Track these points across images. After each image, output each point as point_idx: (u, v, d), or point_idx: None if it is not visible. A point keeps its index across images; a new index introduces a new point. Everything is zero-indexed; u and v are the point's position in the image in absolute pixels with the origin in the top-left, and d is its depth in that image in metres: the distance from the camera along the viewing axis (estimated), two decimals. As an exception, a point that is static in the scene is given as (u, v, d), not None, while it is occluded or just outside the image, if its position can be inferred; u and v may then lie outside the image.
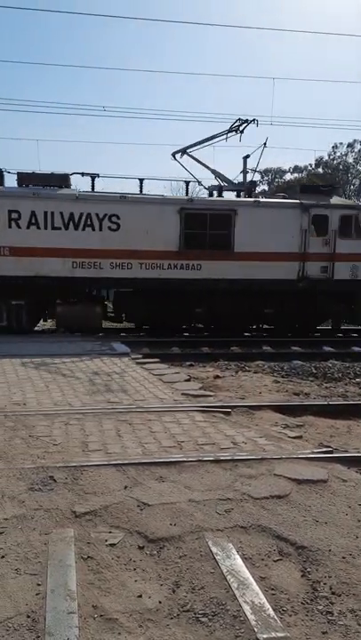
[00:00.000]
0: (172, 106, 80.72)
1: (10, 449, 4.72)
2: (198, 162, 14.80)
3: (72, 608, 2.65)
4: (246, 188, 14.75)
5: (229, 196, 14.97)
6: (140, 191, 14.23)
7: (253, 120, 14.54)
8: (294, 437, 5.44)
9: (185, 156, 14.81)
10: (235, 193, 14.99)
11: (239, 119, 14.60)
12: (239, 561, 3.12)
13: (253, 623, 2.60)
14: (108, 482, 4.09)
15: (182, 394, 7.01)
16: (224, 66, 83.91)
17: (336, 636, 2.58)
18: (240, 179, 16.23)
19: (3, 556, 3.08)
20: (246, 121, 14.56)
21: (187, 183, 14.50)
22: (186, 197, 14.03)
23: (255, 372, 9.57)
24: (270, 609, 2.72)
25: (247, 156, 16.99)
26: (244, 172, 19.70)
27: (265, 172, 46.59)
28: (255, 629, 2.56)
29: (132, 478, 4.17)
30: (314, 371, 9.72)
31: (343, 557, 3.23)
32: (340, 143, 49.23)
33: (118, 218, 13.18)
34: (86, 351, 10.45)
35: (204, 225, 13.54)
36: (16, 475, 4.16)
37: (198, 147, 14.84)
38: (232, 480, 4.20)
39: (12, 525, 3.42)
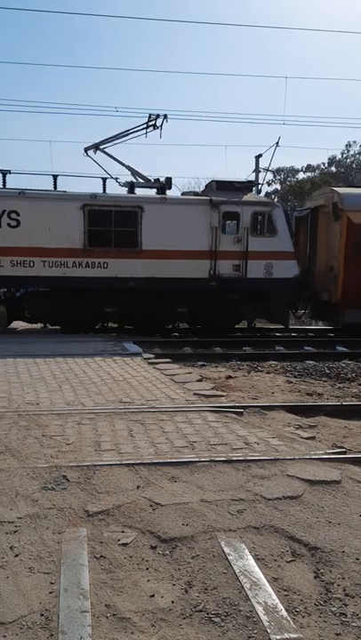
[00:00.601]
0: (186, 106, 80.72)
1: (23, 448, 4.75)
2: (112, 158, 14.47)
3: (85, 607, 2.66)
4: (160, 184, 14.39)
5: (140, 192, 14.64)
6: (55, 188, 13.96)
7: (165, 116, 14.29)
8: (307, 438, 5.41)
9: (98, 152, 14.44)
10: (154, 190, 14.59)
11: (150, 114, 14.34)
12: (252, 561, 3.12)
13: (266, 624, 2.59)
14: (120, 481, 4.11)
15: (194, 394, 7.01)
16: (239, 65, 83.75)
17: (350, 638, 2.57)
18: (252, 178, 16.16)
19: (17, 555, 3.10)
20: (158, 116, 14.28)
21: (104, 180, 14.14)
22: (89, 193, 13.48)
23: (268, 373, 9.55)
24: (283, 610, 2.71)
25: (259, 156, 16.90)
26: (256, 171, 19.62)
27: (277, 172, 46.43)
28: (268, 630, 2.55)
29: (145, 478, 4.18)
30: (327, 371, 9.67)
31: (357, 559, 3.21)
32: (354, 141, 48.94)
33: (18, 214, 12.98)
34: (98, 351, 10.50)
35: (109, 222, 13.29)
36: (29, 474, 4.19)
37: (112, 142, 14.50)
38: (245, 480, 4.19)
39: (25, 524, 3.45)
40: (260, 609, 2.70)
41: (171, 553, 3.20)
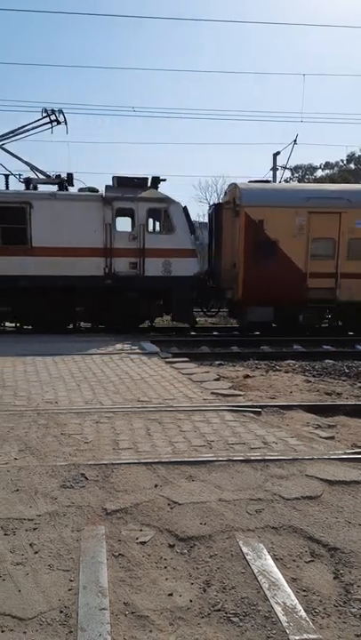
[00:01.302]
0: (207, 105, 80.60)
1: (42, 446, 4.80)
2: (12, 154, 14.23)
3: (104, 604, 2.68)
4: (59, 180, 14.18)
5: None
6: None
7: (60, 110, 14.16)
8: (326, 438, 5.36)
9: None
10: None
11: (44, 109, 14.15)
12: (270, 561, 3.10)
13: (285, 624, 2.57)
14: (138, 480, 4.12)
15: (212, 393, 7.00)
16: (255, 63, 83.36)
17: (370, 640, 2.53)
18: (270, 176, 16.05)
19: (36, 552, 3.13)
20: (53, 111, 14.10)
21: (6, 177, 13.92)
22: None
23: (286, 372, 9.49)
24: (302, 610, 2.69)
25: (277, 153, 16.78)
26: (274, 168, 19.47)
27: (295, 169, 46.09)
28: (287, 631, 2.53)
29: (163, 477, 4.18)
30: (346, 370, 9.57)
31: (377, 560, 3.17)
32: (373, 138, 48.29)
33: None
34: (116, 350, 10.55)
35: None
36: (48, 472, 4.23)
37: (9, 139, 14.21)
38: (263, 480, 4.17)
39: (44, 522, 3.48)
40: (278, 609, 2.68)
41: (189, 552, 3.20)
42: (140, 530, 3.43)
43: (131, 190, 13.61)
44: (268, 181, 16.57)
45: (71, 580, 2.88)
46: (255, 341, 13.18)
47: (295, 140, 16.12)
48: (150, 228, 13.73)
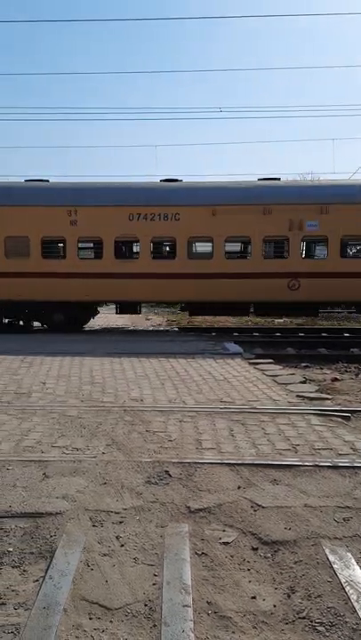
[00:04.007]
0: (290, 102, 79.02)
1: (128, 442, 4.93)
2: None
3: (187, 602, 2.70)
4: None
5: None
6: None
7: None
8: None
9: None
10: None
11: None
12: (359, 572, 2.97)
13: (375, 640, 2.45)
14: (221, 480, 4.11)
15: (297, 396, 6.83)
16: (336, 56, 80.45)
17: None
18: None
19: (122, 545, 3.23)
20: None
21: None
22: None
23: (376, 376, 9.05)
24: (394, 627, 2.54)
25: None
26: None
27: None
28: (377, 647, 2.41)
29: (246, 479, 4.15)
30: None
31: None
32: None
33: None
34: (199, 350, 10.61)
35: None
36: (134, 467, 4.34)
37: None
38: (351, 487, 4.00)
39: (130, 516, 3.58)
40: (368, 623, 2.56)
41: (273, 556, 3.15)
42: (224, 530, 3.42)
43: None
44: None
45: (155, 575, 2.93)
46: (345, 343, 12.71)
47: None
48: None
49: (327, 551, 3.16)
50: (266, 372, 8.36)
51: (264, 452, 4.70)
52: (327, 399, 6.84)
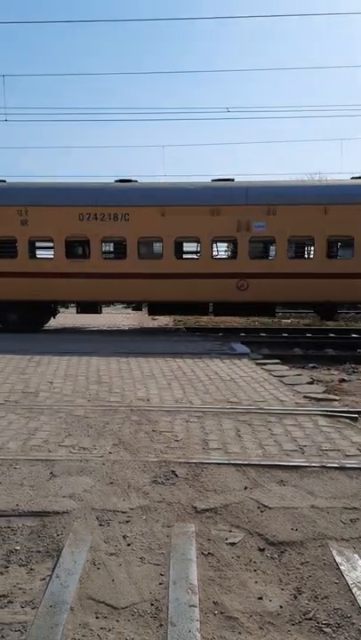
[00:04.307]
0: (295, 102, 78.91)
1: (135, 442, 4.94)
2: None
3: (193, 602, 2.70)
4: None
5: None
6: None
7: None
8: None
9: None
10: None
11: None
12: (366, 574, 2.95)
13: (382, 642, 2.44)
14: (227, 481, 4.11)
15: (304, 397, 6.81)
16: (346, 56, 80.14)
17: None
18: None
19: (129, 544, 3.23)
20: None
21: None
22: None
23: (384, 377, 9.01)
24: None
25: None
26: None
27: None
28: (384, 649, 2.40)
29: (253, 479, 4.14)
30: None
31: None
32: None
33: None
34: (206, 350, 10.61)
35: None
36: (140, 467, 4.35)
37: None
38: (359, 489, 3.99)
39: (136, 515, 3.58)
40: (375, 625, 2.55)
41: (279, 557, 3.14)
42: (230, 531, 3.42)
43: None
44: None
45: (162, 575, 2.94)
46: (352, 344, 12.66)
47: None
48: None
49: (334, 552, 3.15)
50: (273, 373, 8.35)
51: (271, 453, 4.70)
52: (334, 400, 6.82)
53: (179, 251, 14.46)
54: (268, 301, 14.25)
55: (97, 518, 3.53)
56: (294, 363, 10.03)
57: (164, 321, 18.44)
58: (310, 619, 2.61)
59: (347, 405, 6.60)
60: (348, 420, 5.74)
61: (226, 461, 4.46)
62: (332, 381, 8.51)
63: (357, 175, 14.57)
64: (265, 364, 9.21)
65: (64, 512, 3.59)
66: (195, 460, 4.47)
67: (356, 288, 13.53)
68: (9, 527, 3.42)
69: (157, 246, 14.17)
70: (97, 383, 7.52)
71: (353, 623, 2.57)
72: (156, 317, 17.85)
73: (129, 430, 5.29)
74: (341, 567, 3.01)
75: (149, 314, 15.41)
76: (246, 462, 4.44)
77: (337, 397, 7.05)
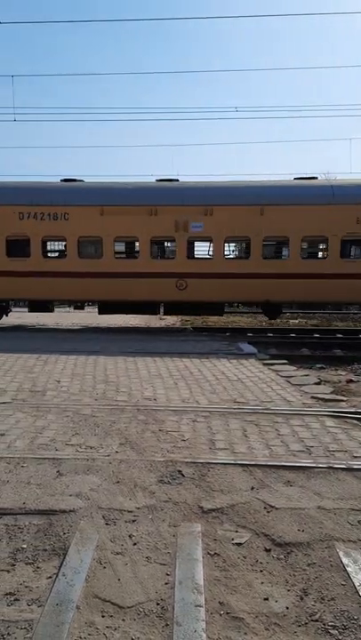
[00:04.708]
0: (298, 101, 78.58)
1: (142, 441, 4.94)
2: None
3: (199, 602, 2.70)
4: None
5: None
6: None
7: None
8: None
9: None
10: None
11: None
12: (373, 576, 2.94)
13: (389, 645, 2.42)
14: (234, 481, 4.10)
15: (312, 397, 6.79)
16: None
17: None
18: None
19: (135, 544, 3.23)
20: None
21: None
22: None
23: (392, 378, 8.95)
24: None
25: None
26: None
27: None
28: (391, 652, 2.38)
29: (259, 480, 4.13)
30: None
31: None
32: None
33: None
34: (213, 350, 10.59)
35: None
36: (147, 466, 4.35)
37: None
38: (365, 490, 3.96)
39: (143, 515, 3.58)
40: (382, 627, 2.53)
41: (286, 558, 3.13)
42: (236, 531, 3.41)
43: None
44: None
45: (167, 574, 2.94)
46: (360, 345, 12.59)
47: None
48: None
49: (341, 554, 3.14)
50: (280, 373, 8.32)
51: (278, 454, 4.68)
52: (342, 401, 6.79)
53: (119, 250, 14.66)
54: (208, 301, 14.28)
55: (103, 517, 3.53)
56: (302, 363, 10.00)
57: (171, 321, 18.44)
58: (317, 620, 2.60)
59: (354, 406, 6.57)
60: (355, 421, 5.71)
61: (232, 461, 4.45)
62: (340, 382, 8.48)
63: (300, 176, 14.65)
64: (272, 364, 9.19)
65: (70, 511, 3.59)
66: (201, 460, 4.47)
67: (291, 288, 13.66)
68: (16, 525, 3.44)
69: (98, 246, 14.30)
70: (104, 382, 7.54)
71: (360, 625, 2.55)
72: (164, 317, 17.85)
73: (136, 430, 5.30)
74: (348, 569, 2.99)
75: (99, 313, 15.51)
76: (253, 462, 4.43)
77: (345, 398, 7.02)
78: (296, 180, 14.43)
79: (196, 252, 14.49)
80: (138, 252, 14.33)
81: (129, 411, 5.98)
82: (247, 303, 15.76)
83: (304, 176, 14.64)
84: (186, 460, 4.46)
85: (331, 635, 2.50)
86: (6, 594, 2.77)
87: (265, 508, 3.69)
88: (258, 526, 3.46)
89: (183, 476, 4.18)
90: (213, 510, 3.65)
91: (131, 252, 14.88)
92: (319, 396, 6.86)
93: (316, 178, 14.79)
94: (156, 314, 15.35)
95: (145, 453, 4.65)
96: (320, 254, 14.56)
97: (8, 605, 2.68)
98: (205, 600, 2.72)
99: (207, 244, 14.26)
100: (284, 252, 14.16)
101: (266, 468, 4.34)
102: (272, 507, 3.69)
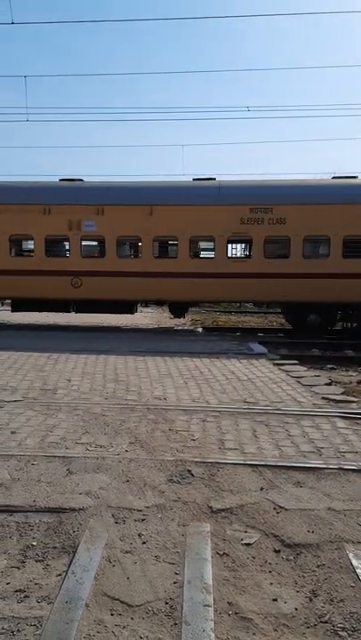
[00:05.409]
0: (302, 101, 78.21)
1: (151, 440, 4.95)
2: None
3: (208, 601, 2.70)
4: None
5: None
6: None
7: None
8: None
9: None
10: None
11: None
12: (383, 579, 2.92)
13: None
14: (243, 481, 4.10)
15: (322, 398, 6.76)
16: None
17: None
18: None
19: (144, 542, 3.24)
20: None
21: None
22: None
23: None
24: None
25: None
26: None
27: None
28: None
29: (269, 480, 4.12)
30: None
31: None
32: None
33: None
34: (223, 350, 10.58)
35: None
36: (157, 465, 4.36)
37: None
38: (376, 492, 3.94)
39: (152, 514, 3.59)
40: (392, 630, 2.51)
41: (295, 559, 3.12)
42: (245, 531, 3.41)
43: None
44: None
45: (176, 574, 2.94)
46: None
47: None
48: None
49: (351, 555, 3.12)
50: (291, 374, 8.29)
51: (288, 454, 4.67)
52: (353, 402, 6.75)
53: (17, 249, 14.84)
54: (100, 299, 14.37)
55: (113, 516, 3.54)
56: (312, 364, 9.95)
57: (181, 320, 18.44)
58: (326, 622, 2.59)
59: (365, 407, 6.53)
60: (366, 422, 5.67)
61: (242, 462, 4.45)
62: (351, 383, 8.43)
63: (199, 177, 14.65)
64: (283, 364, 9.16)
65: (80, 509, 3.61)
66: (211, 460, 4.47)
67: (179, 287, 13.79)
68: (26, 523, 3.46)
69: None
70: (114, 381, 7.56)
71: (369, 627, 2.54)
72: (173, 317, 17.86)
73: (145, 429, 5.31)
74: (358, 570, 2.98)
75: (12, 310, 15.61)
76: (263, 463, 4.42)
77: (355, 399, 6.98)
78: (190, 181, 14.59)
79: (90, 251, 14.76)
80: (32, 250, 14.62)
81: (139, 410, 6.00)
82: (143, 302, 16.23)
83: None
84: (195, 460, 4.46)
85: (340, 636, 2.49)
86: (16, 590, 2.79)
87: (274, 508, 3.68)
88: (267, 527, 3.45)
89: (193, 475, 4.18)
90: (223, 510, 3.65)
91: (27, 251, 15.11)
92: (330, 396, 6.82)
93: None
94: (67, 311, 15.44)
95: (155, 452, 4.66)
96: (208, 254, 14.64)
97: (18, 602, 2.70)
98: (214, 600, 2.72)
99: (98, 243, 14.54)
100: (171, 252, 14.40)
101: (276, 468, 4.33)
102: (282, 507, 3.68)
